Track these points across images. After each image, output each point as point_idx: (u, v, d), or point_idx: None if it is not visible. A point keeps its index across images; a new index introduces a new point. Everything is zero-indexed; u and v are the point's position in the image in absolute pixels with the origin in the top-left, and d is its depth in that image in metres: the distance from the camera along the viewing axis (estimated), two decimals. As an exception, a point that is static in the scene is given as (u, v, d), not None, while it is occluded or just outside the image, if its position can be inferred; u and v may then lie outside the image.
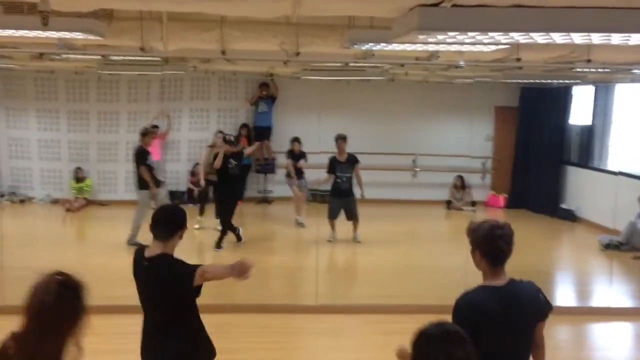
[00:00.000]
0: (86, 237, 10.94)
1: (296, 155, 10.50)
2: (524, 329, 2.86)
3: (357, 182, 9.35)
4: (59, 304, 2.11)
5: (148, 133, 9.18)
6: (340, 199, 9.32)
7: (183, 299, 3.43)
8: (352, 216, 9.33)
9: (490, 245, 2.81)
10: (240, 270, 3.31)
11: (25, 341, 2.11)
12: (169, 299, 3.40)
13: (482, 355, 2.42)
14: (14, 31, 4.57)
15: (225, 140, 9.18)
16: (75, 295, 2.17)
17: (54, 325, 2.10)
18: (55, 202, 12.02)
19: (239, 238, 9.07)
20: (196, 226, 9.77)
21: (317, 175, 9.91)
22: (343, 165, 9.27)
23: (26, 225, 10.60)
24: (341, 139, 9.27)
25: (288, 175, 10.64)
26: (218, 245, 8.79)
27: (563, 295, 8.21)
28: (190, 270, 3.32)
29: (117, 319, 6.13)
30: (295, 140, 10.53)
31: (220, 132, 10.68)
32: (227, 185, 9.10)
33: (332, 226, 9.43)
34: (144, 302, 3.55)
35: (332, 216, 9.37)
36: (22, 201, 12.04)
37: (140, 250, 3.55)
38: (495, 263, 2.84)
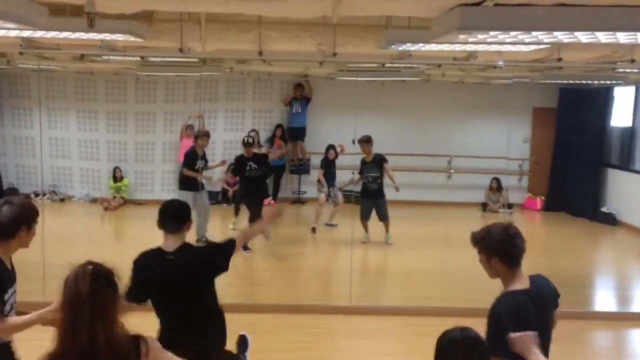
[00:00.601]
0: (123, 236, 11.13)
1: (330, 162, 10.34)
2: (548, 323, 2.95)
3: (390, 178, 9.23)
4: (94, 292, 2.10)
5: (200, 136, 9.03)
6: (369, 199, 9.27)
7: (212, 278, 3.57)
8: (382, 217, 9.27)
9: (511, 246, 2.82)
10: (271, 217, 3.60)
11: (66, 335, 2.10)
12: (203, 282, 3.50)
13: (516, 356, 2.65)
14: (57, 33, 4.69)
15: (244, 143, 9.12)
16: (108, 282, 2.18)
17: (91, 314, 2.09)
18: (94, 201, 12.27)
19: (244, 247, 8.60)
20: (230, 226, 9.84)
21: (348, 176, 9.88)
22: (368, 165, 9.19)
23: (66, 223, 10.84)
24: (361, 141, 9.11)
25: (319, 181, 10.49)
26: (245, 247, 8.59)
27: (603, 300, 8.03)
28: (228, 240, 3.59)
29: (151, 317, 6.23)
30: (331, 148, 10.44)
31: (254, 130, 10.78)
32: (245, 188, 9.11)
33: (365, 227, 9.39)
34: (167, 300, 3.53)
35: (363, 217, 9.33)
36: (62, 200, 12.31)
37: (149, 252, 3.58)
38: (515, 264, 2.84)
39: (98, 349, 2.08)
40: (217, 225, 10.10)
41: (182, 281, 3.45)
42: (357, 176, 9.40)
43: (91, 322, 2.08)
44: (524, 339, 2.62)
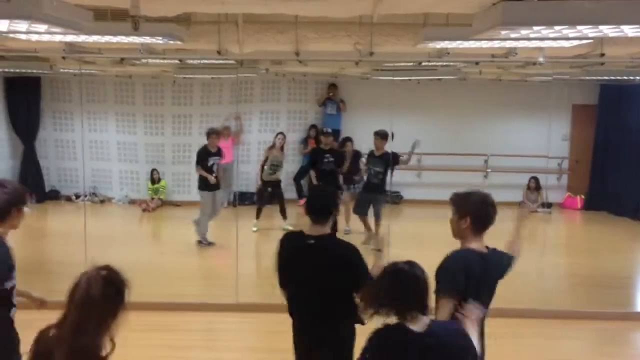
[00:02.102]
0: (161, 237, 11.29)
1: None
2: (491, 293, 3.17)
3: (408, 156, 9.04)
4: (102, 299, 2.18)
5: (210, 133, 9.18)
6: (368, 193, 9.01)
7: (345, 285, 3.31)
8: (375, 213, 8.92)
9: (485, 213, 3.07)
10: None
11: (65, 329, 2.19)
12: (342, 278, 3.26)
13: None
14: (100, 37, 4.78)
15: (322, 132, 9.42)
16: (118, 292, 2.24)
17: (94, 319, 2.17)
18: (132, 202, 12.48)
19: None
20: (254, 229, 9.91)
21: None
22: (375, 159, 8.95)
23: (106, 224, 11.05)
24: (378, 134, 8.93)
25: None
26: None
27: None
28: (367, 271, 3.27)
29: (188, 316, 6.31)
30: (348, 140, 10.29)
31: (281, 133, 10.83)
32: (319, 181, 9.11)
33: (365, 224, 9.07)
34: (301, 287, 3.38)
35: (358, 211, 9.06)
36: (102, 201, 12.55)
37: (291, 234, 3.54)
38: (481, 229, 3.09)
39: (85, 351, 2.17)
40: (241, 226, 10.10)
41: (317, 270, 3.30)
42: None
43: (90, 325, 2.17)
44: (472, 308, 2.81)
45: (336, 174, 9.26)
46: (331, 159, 9.07)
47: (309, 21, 5.47)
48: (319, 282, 3.27)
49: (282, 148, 10.43)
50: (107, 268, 2.27)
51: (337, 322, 3.34)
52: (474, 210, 3.06)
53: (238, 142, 12.07)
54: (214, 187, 9.00)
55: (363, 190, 9.22)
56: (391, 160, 8.85)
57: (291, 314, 3.49)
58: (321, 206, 3.39)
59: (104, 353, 2.23)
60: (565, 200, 12.70)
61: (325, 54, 6.57)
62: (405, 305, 2.49)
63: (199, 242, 9.00)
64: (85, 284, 2.18)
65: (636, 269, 9.17)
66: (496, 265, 3.15)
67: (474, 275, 2.99)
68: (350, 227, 9.81)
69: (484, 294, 3.05)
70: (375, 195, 8.95)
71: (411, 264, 2.64)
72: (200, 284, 7.71)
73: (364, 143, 10.39)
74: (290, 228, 9.68)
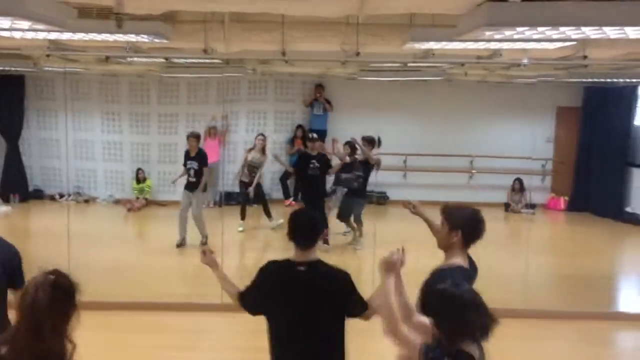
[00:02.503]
0: (146, 236, 11.23)
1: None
2: None
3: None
4: (51, 303, 2.18)
5: (188, 137, 9.20)
6: (348, 197, 9.07)
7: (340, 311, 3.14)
8: (355, 216, 9.03)
9: (476, 228, 3.10)
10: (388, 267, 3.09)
11: (21, 340, 2.19)
12: (334, 307, 3.10)
13: None
14: (84, 34, 4.75)
15: (309, 139, 9.48)
16: (66, 295, 2.25)
17: (48, 323, 2.18)
18: (117, 202, 12.40)
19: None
20: (240, 229, 9.90)
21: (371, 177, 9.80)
22: (358, 164, 8.99)
23: (90, 224, 10.96)
24: (365, 139, 9.01)
25: None
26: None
27: (627, 301, 7.90)
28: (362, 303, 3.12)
29: (173, 316, 6.28)
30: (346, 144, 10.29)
31: (261, 134, 10.75)
32: (305, 186, 9.37)
33: (352, 227, 9.15)
34: (288, 317, 3.13)
35: (340, 216, 9.14)
36: (86, 201, 12.45)
37: (277, 262, 3.25)
38: (470, 244, 3.13)
39: (49, 356, 2.18)
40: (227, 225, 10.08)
41: (308, 298, 3.08)
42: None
43: (46, 329, 2.17)
44: (394, 258, 2.91)
45: (322, 179, 9.28)
46: (317, 165, 9.05)
47: (296, 21, 5.47)
48: (312, 310, 3.07)
49: (263, 150, 10.23)
50: (55, 272, 2.29)
51: (329, 350, 3.17)
52: (466, 225, 3.09)
53: (224, 141, 12.04)
54: (189, 188, 9.01)
55: (344, 195, 9.24)
56: (376, 166, 8.94)
57: (275, 344, 3.22)
58: (308, 234, 3.17)
59: (67, 355, 2.23)
60: (549, 202, 12.81)
61: (312, 53, 6.57)
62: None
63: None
64: (33, 290, 2.20)
65: (618, 270, 9.27)
66: (472, 279, 3.16)
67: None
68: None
69: None
70: (356, 200, 9.02)
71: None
72: (185, 284, 7.67)
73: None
74: (281, 221, 9.71)
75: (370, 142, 9.00)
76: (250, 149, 10.33)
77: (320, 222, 3.37)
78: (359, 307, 3.11)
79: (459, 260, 3.09)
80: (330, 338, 3.14)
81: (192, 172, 8.98)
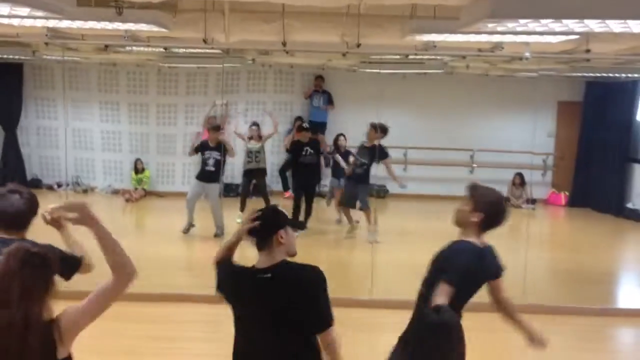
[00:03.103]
0: (144, 227, 11.20)
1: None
2: (477, 288, 3.18)
3: (390, 174, 9.11)
4: (21, 271, 2.16)
5: (209, 128, 9.31)
6: (352, 184, 9.03)
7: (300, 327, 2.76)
8: (361, 203, 8.99)
9: (499, 214, 3.07)
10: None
11: None
12: (307, 314, 2.71)
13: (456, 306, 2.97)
14: (83, 22, 4.70)
15: (300, 128, 9.48)
16: (42, 262, 2.22)
17: (13, 291, 2.14)
18: (116, 192, 12.38)
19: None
20: (238, 220, 9.89)
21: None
22: (364, 150, 8.97)
23: (88, 214, 10.92)
24: (374, 126, 8.92)
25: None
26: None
27: (627, 296, 7.90)
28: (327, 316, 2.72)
29: (174, 307, 6.27)
30: (341, 135, 10.24)
31: (255, 123, 10.68)
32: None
33: (348, 217, 9.15)
34: (254, 328, 2.78)
35: (344, 202, 9.16)
36: (84, 191, 12.43)
37: (235, 267, 2.91)
38: (488, 229, 3.09)
39: (14, 326, 2.14)
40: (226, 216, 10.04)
41: (275, 307, 2.70)
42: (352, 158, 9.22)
43: (16, 298, 2.14)
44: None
45: (317, 166, 9.31)
46: (310, 151, 9.19)
47: (296, 11, 5.43)
48: (281, 321, 2.69)
49: (259, 137, 10.16)
50: (33, 243, 2.31)
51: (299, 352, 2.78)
52: (489, 210, 3.04)
53: (224, 128, 11.98)
54: (204, 179, 9.01)
55: (347, 181, 9.21)
56: (377, 154, 8.84)
57: (238, 338, 2.88)
58: (262, 227, 2.78)
59: (37, 325, 2.19)
60: (550, 197, 12.79)
61: (312, 44, 6.53)
62: None
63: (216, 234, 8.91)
64: (4, 258, 2.18)
65: (617, 266, 9.26)
66: (488, 265, 3.14)
67: (472, 270, 3.02)
68: (341, 218, 9.92)
69: (471, 287, 3.10)
70: (360, 185, 8.95)
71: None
72: (184, 275, 7.66)
73: (350, 135, 10.40)
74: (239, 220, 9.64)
75: (381, 130, 8.90)
76: (250, 139, 10.32)
77: (279, 218, 2.84)
78: (325, 314, 2.71)
79: (472, 239, 3.07)
80: (302, 342, 2.77)
81: (212, 161, 8.97)
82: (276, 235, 2.75)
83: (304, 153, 9.21)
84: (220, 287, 2.92)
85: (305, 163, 9.27)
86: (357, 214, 9.32)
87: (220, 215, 8.89)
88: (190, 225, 9.01)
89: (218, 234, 8.76)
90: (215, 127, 9.19)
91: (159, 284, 6.67)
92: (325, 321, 2.69)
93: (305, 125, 9.59)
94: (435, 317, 2.81)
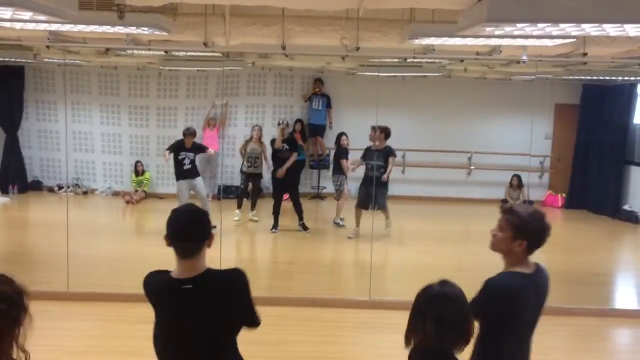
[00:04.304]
0: (144, 229, 11.23)
1: (345, 150, 10.21)
2: (538, 313, 2.89)
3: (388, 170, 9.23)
4: None
5: (185, 134, 9.37)
6: (369, 187, 9.08)
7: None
8: (379, 204, 9.13)
9: (542, 238, 2.81)
10: None
11: None
12: (228, 321, 2.58)
13: (510, 340, 2.77)
14: (85, 26, 4.75)
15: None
16: (11, 305, 2.06)
17: None
18: (116, 194, 12.42)
19: None
20: (235, 218, 9.98)
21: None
22: (375, 154, 9.11)
23: (89, 216, 10.98)
24: (380, 129, 9.12)
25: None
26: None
27: (623, 298, 7.95)
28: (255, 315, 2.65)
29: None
30: (343, 134, 10.32)
31: (257, 125, 10.83)
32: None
33: (358, 219, 9.28)
34: (177, 340, 2.54)
35: (360, 204, 9.28)
36: (85, 193, 12.47)
37: (156, 276, 2.67)
38: (534, 248, 2.84)
39: None
40: (225, 218, 10.12)
41: (197, 318, 2.51)
42: (358, 160, 9.40)
43: None
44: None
45: (295, 164, 9.75)
46: (286, 147, 9.55)
47: (295, 15, 5.49)
48: (201, 333, 2.52)
49: (260, 140, 10.33)
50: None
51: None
52: (533, 235, 2.80)
53: (223, 129, 12.06)
54: (185, 176, 9.20)
55: (363, 185, 9.31)
56: (390, 153, 9.12)
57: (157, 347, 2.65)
58: (190, 232, 2.54)
59: None
60: (547, 199, 12.84)
61: (312, 48, 6.58)
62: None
63: None
64: None
65: (614, 267, 9.31)
66: (543, 287, 2.87)
67: (528, 304, 2.78)
68: (342, 221, 10.06)
69: (533, 316, 2.85)
70: (377, 189, 9.02)
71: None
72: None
73: (349, 137, 10.44)
74: (256, 219, 10.07)
75: (384, 131, 9.15)
76: (248, 141, 10.41)
77: (205, 220, 2.60)
78: (249, 319, 2.62)
79: (521, 268, 2.82)
80: (229, 344, 2.64)
81: (187, 161, 9.17)
82: (209, 240, 2.57)
83: (282, 149, 9.61)
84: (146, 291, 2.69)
85: (281, 159, 9.59)
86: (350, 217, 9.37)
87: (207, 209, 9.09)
88: None
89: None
90: (192, 133, 9.38)
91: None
92: (258, 320, 2.64)
93: (281, 121, 10.00)
94: None
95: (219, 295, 2.52)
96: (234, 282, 2.58)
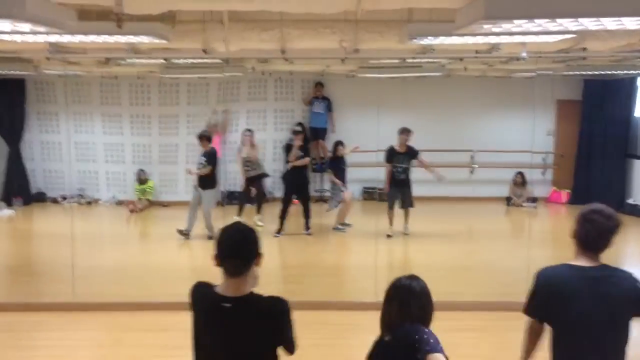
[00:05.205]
0: (149, 237, 11.25)
1: (339, 159, 10.22)
2: (612, 318, 2.73)
3: (425, 168, 9.70)
4: None
5: (199, 137, 9.56)
6: (397, 188, 9.50)
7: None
8: (407, 203, 9.51)
9: (580, 226, 2.82)
10: None
11: None
12: (262, 344, 2.61)
13: (559, 334, 2.80)
14: (84, 36, 4.77)
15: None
16: None
17: None
18: (120, 203, 12.43)
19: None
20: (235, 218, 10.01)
21: (373, 173, 9.90)
22: (400, 156, 9.40)
23: (93, 226, 11.00)
24: (405, 131, 9.50)
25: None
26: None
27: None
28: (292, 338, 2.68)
29: (181, 315, 6.30)
30: (339, 144, 10.29)
31: (248, 130, 10.84)
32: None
33: (390, 219, 9.50)
34: (210, 351, 2.61)
35: (390, 206, 9.55)
36: (89, 203, 12.49)
37: (203, 287, 2.67)
38: (584, 247, 2.82)
39: None
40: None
41: (235, 339, 2.54)
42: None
43: None
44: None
45: (303, 169, 9.87)
46: (301, 155, 9.71)
47: (293, 19, 5.49)
48: (233, 352, 2.56)
49: (252, 144, 10.42)
50: None
51: None
52: (575, 221, 2.87)
53: (225, 135, 12.09)
54: (200, 185, 9.31)
55: (392, 186, 9.56)
56: (413, 154, 9.48)
57: None
58: (240, 249, 2.54)
59: None
60: (551, 195, 12.82)
61: (311, 51, 6.60)
62: None
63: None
64: None
65: (619, 261, 9.25)
66: (609, 283, 2.76)
67: (566, 293, 2.78)
68: (347, 224, 10.11)
69: (591, 314, 2.73)
70: (403, 189, 9.50)
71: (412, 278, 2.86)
72: (189, 284, 7.69)
73: (351, 140, 10.44)
74: (261, 224, 10.02)
75: (404, 131, 9.51)
76: (240, 148, 10.47)
77: (255, 238, 2.59)
78: (285, 346, 2.65)
79: (576, 261, 2.85)
80: None
81: (199, 165, 9.35)
82: (258, 259, 2.58)
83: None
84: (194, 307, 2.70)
85: (296, 169, 9.72)
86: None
87: (208, 221, 9.24)
88: (188, 230, 9.31)
89: (209, 236, 8.96)
90: (207, 136, 9.54)
91: (164, 292, 6.72)
92: (293, 348, 2.68)
93: (296, 129, 10.15)
94: None
95: (256, 319, 2.54)
96: (273, 308, 2.59)
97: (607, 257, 2.91)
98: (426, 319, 2.76)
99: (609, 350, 2.75)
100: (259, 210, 10.29)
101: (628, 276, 2.80)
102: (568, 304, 2.75)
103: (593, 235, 2.79)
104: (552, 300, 2.79)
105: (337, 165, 10.11)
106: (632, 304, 2.74)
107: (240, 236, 2.58)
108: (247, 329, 2.53)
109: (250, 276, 2.56)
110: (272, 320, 2.58)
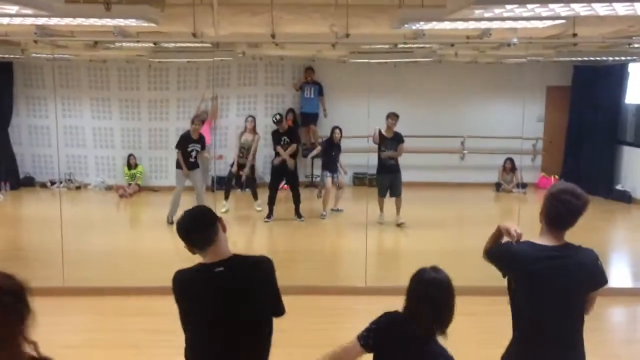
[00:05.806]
0: (139, 222, 11.22)
1: (334, 144, 10.22)
2: (571, 295, 2.86)
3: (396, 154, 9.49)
4: (2, 309, 2.01)
5: (193, 121, 9.66)
6: (386, 174, 9.46)
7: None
8: (396, 192, 9.44)
9: (550, 205, 2.85)
10: None
11: None
12: (260, 304, 2.71)
13: (520, 307, 2.95)
14: (72, 19, 4.71)
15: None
16: (17, 299, 2.07)
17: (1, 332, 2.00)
18: (109, 188, 12.38)
19: None
20: (223, 209, 10.01)
21: (364, 159, 9.85)
22: (388, 142, 9.38)
23: (83, 211, 10.95)
24: (393, 115, 9.47)
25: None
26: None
27: (617, 276, 8.01)
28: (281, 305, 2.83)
29: (171, 300, 6.31)
30: (336, 128, 10.29)
31: (251, 116, 10.85)
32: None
33: (381, 206, 9.51)
34: (212, 323, 2.64)
35: (381, 193, 9.51)
36: (78, 188, 12.43)
37: (186, 270, 2.71)
38: (552, 225, 2.87)
39: None
40: (219, 210, 10.14)
41: (233, 300, 2.62)
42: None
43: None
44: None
45: (294, 155, 9.94)
46: (287, 140, 9.79)
47: (284, 2, 5.45)
48: (239, 314, 2.63)
49: (253, 130, 10.44)
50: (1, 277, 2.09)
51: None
52: (545, 199, 2.91)
53: (215, 122, 12.03)
54: (190, 167, 9.40)
55: (380, 173, 9.55)
56: (399, 139, 9.43)
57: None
58: (196, 223, 2.66)
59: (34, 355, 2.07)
60: (540, 181, 12.89)
61: (302, 36, 6.56)
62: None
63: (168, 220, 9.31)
64: None
65: (607, 246, 9.37)
66: (571, 261, 2.85)
67: (518, 265, 2.93)
68: (338, 209, 10.21)
69: (549, 293, 2.83)
70: (392, 175, 9.43)
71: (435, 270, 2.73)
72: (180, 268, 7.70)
73: (342, 125, 10.42)
74: (259, 209, 10.11)
75: (391, 115, 9.50)
76: (242, 132, 10.45)
77: (203, 208, 2.81)
78: (275, 305, 2.79)
79: (539, 239, 2.94)
80: (263, 342, 2.78)
81: (194, 153, 9.42)
82: (220, 223, 2.69)
83: (282, 142, 9.82)
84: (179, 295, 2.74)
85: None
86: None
87: (203, 200, 9.36)
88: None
89: None
90: (202, 120, 9.70)
91: (154, 277, 6.72)
92: (283, 308, 2.81)
93: (276, 117, 9.99)
94: None
95: (249, 276, 2.67)
96: (263, 264, 2.74)
97: (594, 241, 2.94)
98: (450, 320, 2.69)
99: (565, 325, 2.91)
100: (255, 197, 10.34)
101: (590, 253, 2.91)
102: (530, 282, 2.87)
103: (563, 214, 2.83)
104: (514, 276, 2.96)
105: (331, 150, 10.08)
106: (590, 280, 2.87)
107: (193, 213, 2.72)
108: (244, 287, 2.62)
109: (223, 240, 2.66)
110: (263, 274, 2.71)
